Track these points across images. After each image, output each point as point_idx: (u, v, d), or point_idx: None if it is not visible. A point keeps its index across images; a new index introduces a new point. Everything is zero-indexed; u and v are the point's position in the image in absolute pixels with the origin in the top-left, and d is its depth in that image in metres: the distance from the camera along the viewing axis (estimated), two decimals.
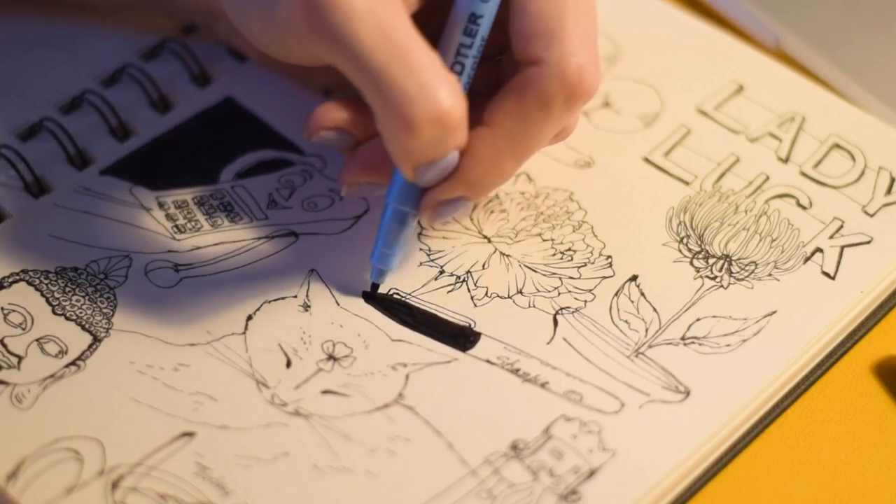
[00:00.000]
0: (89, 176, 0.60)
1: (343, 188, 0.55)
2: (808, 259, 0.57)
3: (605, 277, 0.57)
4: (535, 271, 0.57)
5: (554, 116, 0.52)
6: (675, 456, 0.52)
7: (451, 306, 0.56)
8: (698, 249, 0.58)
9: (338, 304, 0.56)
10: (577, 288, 0.56)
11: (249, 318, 0.55)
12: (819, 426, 0.55)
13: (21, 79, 0.63)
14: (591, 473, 0.52)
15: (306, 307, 0.56)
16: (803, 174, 0.60)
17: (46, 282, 0.56)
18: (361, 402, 0.53)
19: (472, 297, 0.56)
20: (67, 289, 0.56)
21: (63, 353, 0.54)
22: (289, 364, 0.54)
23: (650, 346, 0.55)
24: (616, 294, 0.56)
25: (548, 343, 0.55)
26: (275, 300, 0.56)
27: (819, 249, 0.58)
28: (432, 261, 0.57)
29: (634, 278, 0.57)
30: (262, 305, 0.56)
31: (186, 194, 0.59)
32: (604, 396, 0.53)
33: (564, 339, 0.55)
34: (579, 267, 0.57)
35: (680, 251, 0.58)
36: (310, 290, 0.56)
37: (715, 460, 0.53)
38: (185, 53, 0.63)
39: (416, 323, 0.55)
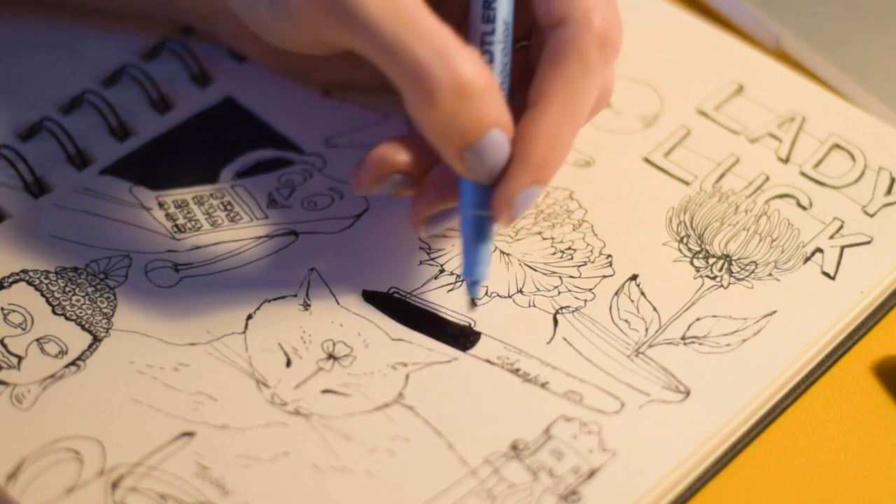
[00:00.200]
0: (89, 176, 0.60)
1: (421, 229, 0.55)
2: (808, 259, 0.57)
3: (605, 276, 0.57)
4: (535, 270, 0.57)
5: (593, 70, 0.52)
6: (675, 456, 0.52)
7: (451, 306, 0.56)
8: (698, 249, 0.58)
9: (338, 304, 0.56)
10: (577, 287, 0.56)
11: (249, 317, 0.55)
12: (819, 426, 0.55)
13: (21, 79, 0.63)
14: (591, 474, 0.51)
15: (306, 306, 0.56)
16: (803, 174, 0.60)
17: (46, 282, 0.56)
18: (361, 401, 0.53)
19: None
20: (67, 289, 0.56)
21: (63, 353, 0.54)
22: (289, 363, 0.54)
23: (650, 346, 0.55)
24: (616, 293, 0.56)
25: (548, 343, 0.55)
26: (275, 299, 0.56)
27: (819, 249, 0.58)
28: (432, 259, 0.57)
29: (634, 278, 0.57)
30: (262, 305, 0.56)
31: (186, 194, 0.59)
32: (604, 396, 0.53)
33: (564, 339, 0.55)
34: (579, 266, 0.57)
35: (680, 251, 0.58)
36: (310, 290, 0.56)
37: (715, 460, 0.53)
38: (185, 53, 0.63)
39: (416, 322, 0.55)
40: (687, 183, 0.60)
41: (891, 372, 0.56)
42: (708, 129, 0.61)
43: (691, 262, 0.57)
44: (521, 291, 0.56)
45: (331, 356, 0.54)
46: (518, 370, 0.54)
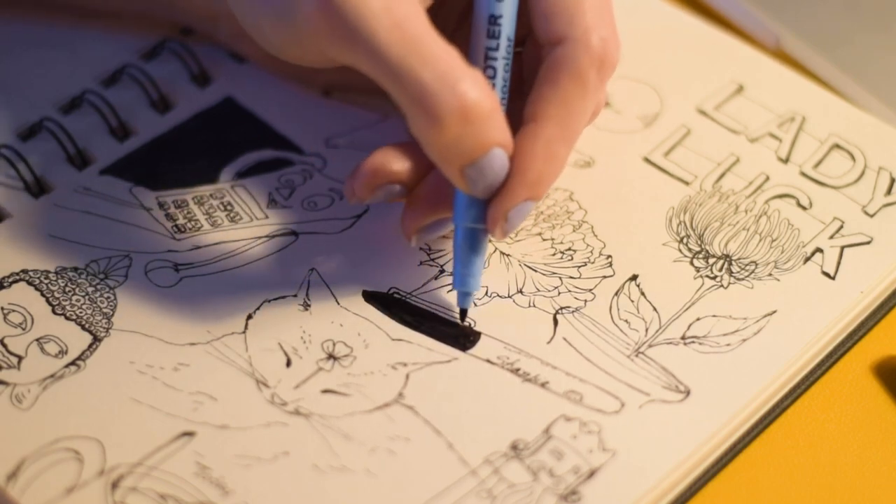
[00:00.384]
0: (89, 176, 0.60)
1: (412, 239, 0.55)
2: (808, 259, 0.57)
3: (605, 277, 0.57)
4: (535, 271, 0.57)
5: (590, 90, 0.53)
6: (675, 456, 0.52)
7: (451, 306, 0.56)
8: (698, 249, 0.58)
9: (338, 304, 0.56)
10: (577, 287, 0.56)
11: (249, 317, 0.55)
12: (819, 426, 0.55)
13: (21, 79, 0.63)
14: (591, 473, 0.51)
15: (306, 306, 0.56)
16: (803, 174, 0.60)
17: (46, 282, 0.56)
18: (361, 401, 0.53)
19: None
20: (67, 289, 0.56)
21: (63, 352, 0.54)
22: (289, 363, 0.54)
23: (650, 346, 0.55)
24: (616, 293, 0.56)
25: (548, 343, 0.55)
26: (275, 299, 0.56)
27: (819, 249, 0.58)
28: (432, 260, 0.57)
29: (634, 278, 0.57)
30: (262, 305, 0.56)
31: (186, 194, 0.59)
32: (604, 396, 0.53)
33: (564, 339, 0.55)
34: (579, 266, 0.57)
35: (680, 251, 0.58)
36: (310, 290, 0.56)
37: (715, 460, 0.53)
38: (185, 53, 0.63)
39: (416, 322, 0.55)
40: (687, 183, 0.60)
41: (891, 372, 0.56)
42: (708, 129, 0.61)
43: (691, 262, 0.57)
44: (521, 292, 0.56)
45: (331, 356, 0.54)
46: (518, 370, 0.54)
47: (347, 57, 0.51)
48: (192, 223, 0.58)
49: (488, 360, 0.54)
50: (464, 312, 0.55)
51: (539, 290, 0.56)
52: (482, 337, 0.55)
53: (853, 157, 0.61)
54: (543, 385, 0.54)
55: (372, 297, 0.56)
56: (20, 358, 0.54)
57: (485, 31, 0.53)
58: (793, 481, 0.54)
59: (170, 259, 0.57)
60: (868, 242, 0.58)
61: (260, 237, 0.58)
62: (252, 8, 0.54)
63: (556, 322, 0.55)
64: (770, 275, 0.57)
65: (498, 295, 0.56)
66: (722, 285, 0.57)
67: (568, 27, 0.53)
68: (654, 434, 0.52)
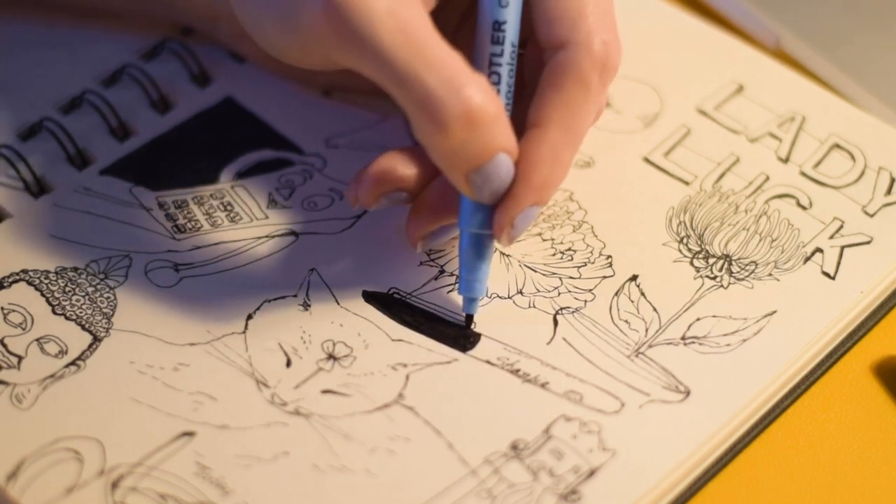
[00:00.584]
0: (89, 176, 0.60)
1: (417, 246, 0.55)
2: (808, 259, 0.57)
3: (605, 277, 0.57)
4: (535, 271, 0.57)
5: (593, 94, 0.53)
6: (675, 456, 0.52)
7: (451, 306, 0.56)
8: (698, 249, 0.58)
9: (338, 304, 0.56)
10: (577, 288, 0.56)
11: (249, 317, 0.55)
12: (819, 426, 0.55)
13: (21, 79, 0.63)
14: (591, 473, 0.51)
15: (306, 306, 0.56)
16: (803, 174, 0.60)
17: (46, 282, 0.56)
18: (361, 401, 0.53)
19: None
20: (67, 289, 0.56)
21: (63, 352, 0.54)
22: (289, 363, 0.54)
23: (650, 346, 0.55)
24: (616, 294, 0.56)
25: (548, 343, 0.55)
26: (275, 299, 0.56)
27: (819, 249, 0.58)
28: (432, 260, 0.57)
29: (634, 278, 0.57)
30: (262, 305, 0.56)
31: (186, 194, 0.59)
32: (604, 396, 0.53)
33: (564, 339, 0.55)
34: (579, 267, 0.57)
35: (680, 251, 0.58)
36: (310, 290, 0.56)
37: (715, 460, 0.53)
38: (185, 53, 0.63)
39: (417, 323, 0.55)
40: (687, 183, 0.60)
41: (891, 372, 0.56)
42: (708, 129, 0.61)
43: (691, 263, 0.57)
44: (521, 292, 0.56)
45: (331, 356, 0.54)
46: (518, 371, 0.54)
47: (351, 61, 0.51)
48: (192, 223, 0.58)
49: (488, 361, 0.54)
50: (469, 318, 0.55)
51: (539, 291, 0.56)
52: (482, 338, 0.55)
53: (853, 157, 0.61)
54: (543, 385, 0.54)
55: (372, 298, 0.56)
56: (20, 358, 0.54)
57: (489, 37, 0.53)
58: (793, 481, 0.54)
59: (170, 259, 0.57)
60: (868, 242, 0.58)
61: (260, 237, 0.58)
62: (255, 11, 0.54)
63: (556, 322, 0.55)
64: (770, 275, 0.57)
65: (498, 296, 0.56)
66: (722, 285, 0.57)
67: (570, 31, 0.53)
68: (654, 434, 0.52)
